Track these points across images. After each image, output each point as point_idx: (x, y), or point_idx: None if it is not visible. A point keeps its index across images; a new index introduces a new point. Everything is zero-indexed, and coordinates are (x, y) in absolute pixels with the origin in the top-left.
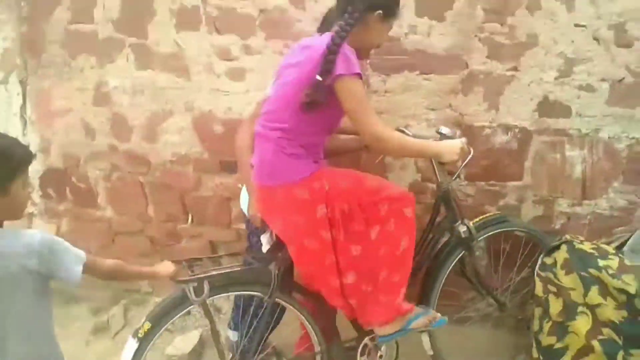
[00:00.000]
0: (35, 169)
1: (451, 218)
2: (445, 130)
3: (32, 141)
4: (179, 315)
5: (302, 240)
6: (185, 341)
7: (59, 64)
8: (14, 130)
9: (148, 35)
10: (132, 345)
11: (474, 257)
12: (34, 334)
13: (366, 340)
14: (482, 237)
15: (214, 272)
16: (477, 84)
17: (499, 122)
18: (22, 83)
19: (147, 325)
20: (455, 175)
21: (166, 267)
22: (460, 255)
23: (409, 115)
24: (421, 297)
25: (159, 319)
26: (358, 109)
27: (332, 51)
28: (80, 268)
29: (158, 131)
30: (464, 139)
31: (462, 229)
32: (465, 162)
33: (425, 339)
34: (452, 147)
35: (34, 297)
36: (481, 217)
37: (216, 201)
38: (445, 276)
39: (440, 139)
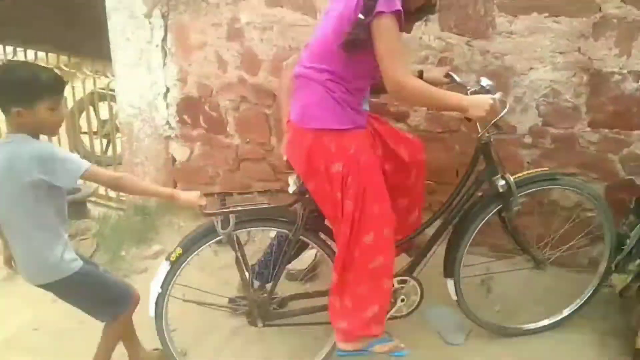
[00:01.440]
0: (173, 96)
1: (490, 171)
2: (485, 82)
3: (171, 71)
4: (207, 244)
5: (318, 181)
6: (303, 260)
7: (197, 0)
8: (155, 60)
9: None
10: (164, 267)
11: (511, 213)
12: (35, 236)
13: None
14: (522, 194)
15: (240, 208)
16: (609, 28)
17: (629, 69)
18: (164, 17)
19: (179, 251)
20: (486, 129)
21: (189, 195)
22: (497, 209)
23: (535, 58)
24: (449, 248)
25: (189, 247)
26: (386, 50)
27: None
28: (75, 176)
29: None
30: (498, 95)
31: (501, 182)
32: (499, 117)
33: (450, 284)
34: (480, 102)
35: (34, 201)
36: (526, 172)
37: None
38: (476, 230)
39: (478, 91)
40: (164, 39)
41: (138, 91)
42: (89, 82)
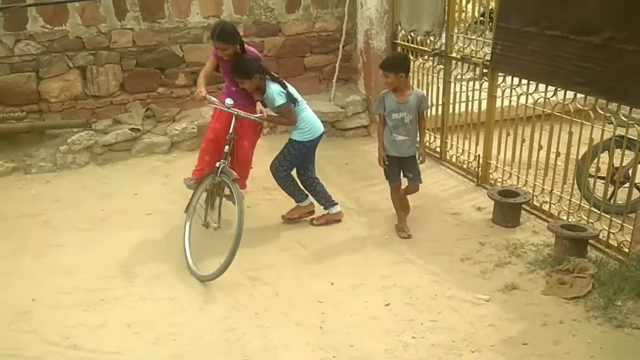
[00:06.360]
0: None
1: (223, 156)
2: (228, 101)
3: None
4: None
5: None
6: None
7: None
8: None
9: None
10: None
11: (213, 183)
12: None
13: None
14: (218, 179)
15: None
16: None
17: None
18: None
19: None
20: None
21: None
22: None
23: None
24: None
25: None
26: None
27: None
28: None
29: None
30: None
31: (217, 165)
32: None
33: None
34: (196, 93)
35: None
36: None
37: None
38: (203, 188)
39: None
40: None
41: None
42: (611, 128)
